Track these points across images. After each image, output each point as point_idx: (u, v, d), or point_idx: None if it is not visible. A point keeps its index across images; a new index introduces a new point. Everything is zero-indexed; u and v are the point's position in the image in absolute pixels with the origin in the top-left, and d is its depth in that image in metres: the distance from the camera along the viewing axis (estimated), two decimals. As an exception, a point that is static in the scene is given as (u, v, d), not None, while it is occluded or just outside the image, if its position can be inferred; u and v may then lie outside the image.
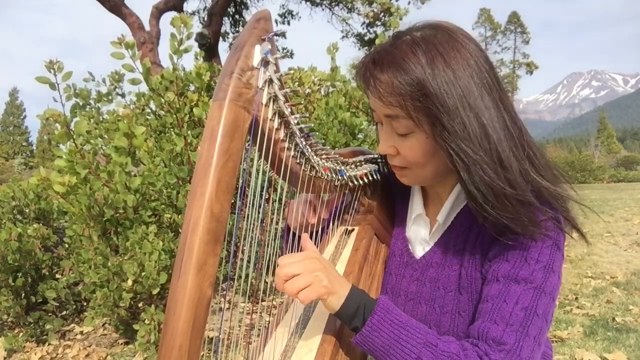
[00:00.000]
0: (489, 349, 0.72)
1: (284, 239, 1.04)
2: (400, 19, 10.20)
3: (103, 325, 3.20)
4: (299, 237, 0.94)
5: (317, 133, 3.01)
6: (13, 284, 2.95)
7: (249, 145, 0.68)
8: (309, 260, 0.74)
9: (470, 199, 0.77)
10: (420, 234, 0.94)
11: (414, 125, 0.77)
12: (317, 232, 0.99)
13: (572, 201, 0.82)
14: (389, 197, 1.04)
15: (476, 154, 0.73)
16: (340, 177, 0.92)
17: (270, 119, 0.71)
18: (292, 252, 0.78)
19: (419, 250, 0.93)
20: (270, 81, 0.67)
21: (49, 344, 2.94)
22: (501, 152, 0.74)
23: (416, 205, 0.95)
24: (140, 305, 2.76)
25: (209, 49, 9.26)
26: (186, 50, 2.65)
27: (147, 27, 8.98)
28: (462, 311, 0.83)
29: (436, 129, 0.74)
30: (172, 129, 2.95)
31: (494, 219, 0.75)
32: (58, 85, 2.45)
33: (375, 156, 1.01)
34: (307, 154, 0.81)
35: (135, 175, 2.74)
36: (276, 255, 0.98)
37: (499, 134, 0.75)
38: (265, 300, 2.64)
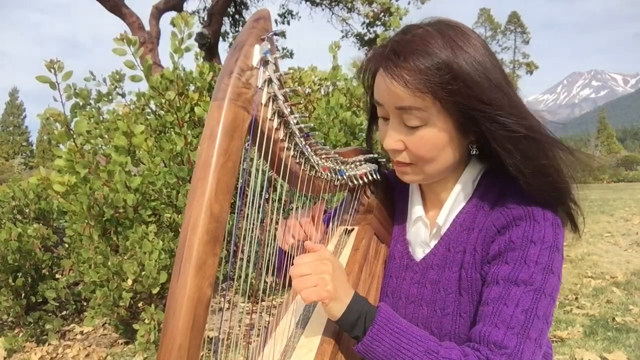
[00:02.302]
0: (490, 353, 0.72)
1: (279, 261, 1.03)
2: (401, 18, 10.19)
3: (103, 325, 3.20)
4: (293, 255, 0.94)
5: (318, 132, 3.00)
6: (13, 284, 2.95)
7: (248, 145, 0.68)
8: (320, 262, 0.75)
9: (517, 172, 0.77)
10: (420, 236, 0.93)
11: (428, 117, 0.77)
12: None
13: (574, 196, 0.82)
14: (388, 197, 1.04)
15: (516, 122, 0.75)
16: (339, 177, 0.92)
17: (270, 119, 0.71)
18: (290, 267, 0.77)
19: (419, 252, 0.93)
20: (270, 81, 0.67)
21: (49, 344, 2.94)
22: (535, 124, 0.77)
23: (416, 207, 0.95)
24: (140, 304, 2.76)
25: (209, 49, 9.26)
26: (187, 50, 2.65)
27: (147, 27, 8.98)
28: (463, 312, 0.83)
29: (471, 106, 0.75)
30: (172, 129, 2.95)
31: (542, 184, 0.77)
32: (58, 84, 2.45)
33: (375, 156, 1.01)
34: (306, 153, 0.81)
35: (135, 175, 2.74)
36: (276, 255, 0.98)
37: (525, 113, 0.77)
38: (265, 300, 2.64)
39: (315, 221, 0.95)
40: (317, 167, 0.85)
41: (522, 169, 0.76)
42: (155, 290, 2.48)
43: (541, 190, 0.77)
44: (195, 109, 2.75)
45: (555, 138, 0.80)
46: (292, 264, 0.76)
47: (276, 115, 0.72)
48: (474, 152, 0.84)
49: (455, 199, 0.89)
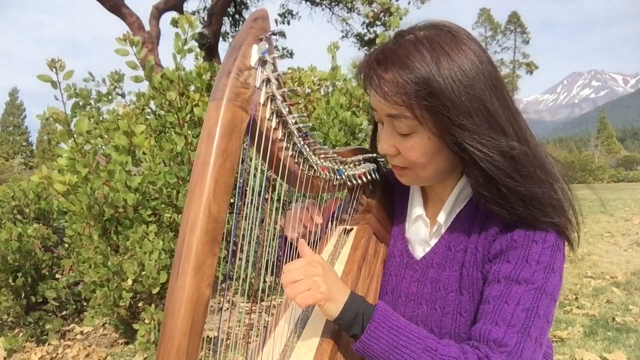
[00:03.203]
0: (490, 351, 0.71)
1: (281, 249, 1.04)
2: (401, 18, 10.18)
3: (103, 325, 3.20)
4: (296, 247, 0.95)
5: (318, 132, 3.00)
6: (13, 284, 2.95)
7: (246, 145, 0.68)
8: (309, 265, 0.75)
9: (479, 196, 0.77)
10: (420, 235, 0.93)
11: (416, 125, 0.77)
12: (314, 241, 0.99)
13: (574, 203, 0.81)
14: (387, 196, 1.04)
15: (486, 148, 0.73)
16: (338, 177, 0.92)
17: (268, 119, 0.71)
18: (290, 261, 0.78)
19: (419, 251, 0.93)
20: (268, 81, 0.67)
21: (49, 344, 2.94)
22: (511, 148, 0.75)
23: (416, 206, 0.95)
24: (140, 304, 2.76)
25: (209, 49, 9.25)
26: (190, 50, 2.65)
27: (147, 27, 8.97)
28: (464, 311, 0.83)
29: (443, 125, 0.74)
30: (172, 129, 2.96)
31: (504, 213, 0.76)
32: (59, 83, 2.45)
33: (374, 155, 1.01)
34: (305, 153, 0.81)
35: (135, 175, 2.74)
36: (275, 254, 0.98)
37: (508, 130, 0.76)
38: (264, 300, 2.64)
39: (325, 213, 0.96)
40: (315, 167, 0.85)
41: (495, 189, 0.75)
42: (155, 290, 2.48)
43: (523, 214, 0.76)
44: (195, 109, 2.75)
45: (542, 154, 0.79)
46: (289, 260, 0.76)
47: (274, 115, 0.72)
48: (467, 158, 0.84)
49: (457, 198, 0.89)
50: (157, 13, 9.09)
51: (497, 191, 0.75)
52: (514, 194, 0.75)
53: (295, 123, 0.75)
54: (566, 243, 0.81)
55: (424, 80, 0.72)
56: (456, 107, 0.72)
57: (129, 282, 2.45)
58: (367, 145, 1.05)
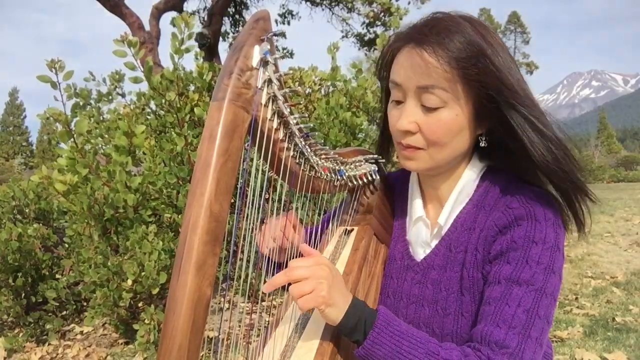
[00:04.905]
0: (492, 353, 0.72)
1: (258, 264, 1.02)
2: (401, 18, 10.18)
3: (103, 325, 3.20)
4: (274, 262, 0.95)
5: (318, 133, 3.00)
6: (13, 284, 2.95)
7: (248, 145, 0.68)
8: (318, 267, 0.74)
9: (539, 159, 0.78)
10: (421, 237, 0.93)
11: (449, 98, 0.78)
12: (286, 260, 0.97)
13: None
14: (388, 197, 1.04)
15: (537, 113, 0.78)
16: (339, 177, 0.92)
17: (270, 119, 0.71)
18: (270, 276, 0.77)
19: (420, 252, 0.93)
20: (270, 81, 0.67)
21: (49, 344, 2.94)
22: (541, 113, 0.80)
23: (416, 208, 0.95)
24: (140, 305, 2.76)
25: (209, 49, 9.26)
26: (187, 50, 2.64)
27: (147, 27, 8.98)
28: (465, 312, 0.83)
29: (494, 89, 0.77)
30: (172, 129, 2.96)
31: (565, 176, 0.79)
32: (59, 84, 2.45)
33: (375, 156, 1.01)
34: (306, 154, 0.81)
35: (135, 175, 2.74)
36: (276, 254, 0.98)
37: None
38: (265, 300, 2.64)
39: (293, 226, 0.95)
40: (316, 168, 0.85)
41: (545, 156, 0.77)
42: (155, 291, 2.48)
43: (563, 177, 0.79)
44: (195, 109, 2.75)
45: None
46: (285, 267, 0.75)
47: (276, 115, 0.72)
48: (483, 144, 0.85)
49: (457, 198, 0.89)
50: (157, 13, 9.11)
51: (556, 151, 0.78)
52: (569, 154, 0.79)
53: (297, 124, 0.75)
54: (576, 226, 0.84)
55: (475, 43, 0.76)
56: (506, 74, 0.77)
57: (129, 282, 2.45)
58: (367, 146, 1.05)
